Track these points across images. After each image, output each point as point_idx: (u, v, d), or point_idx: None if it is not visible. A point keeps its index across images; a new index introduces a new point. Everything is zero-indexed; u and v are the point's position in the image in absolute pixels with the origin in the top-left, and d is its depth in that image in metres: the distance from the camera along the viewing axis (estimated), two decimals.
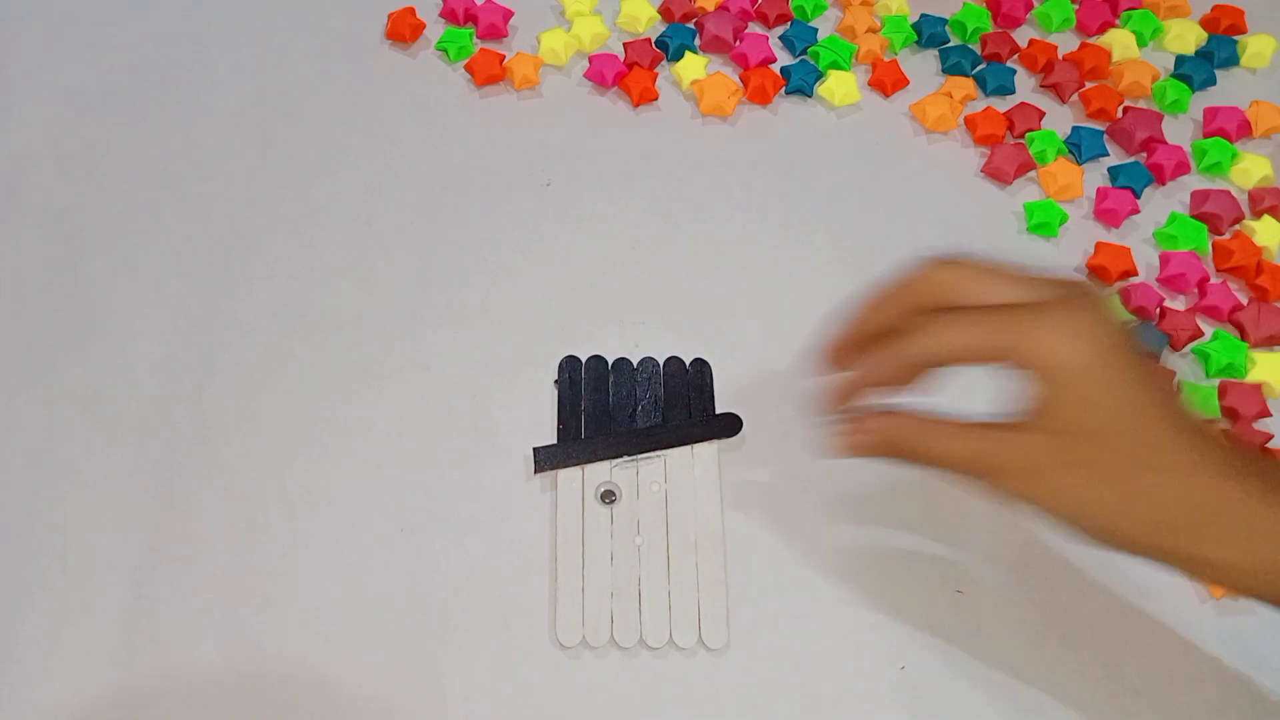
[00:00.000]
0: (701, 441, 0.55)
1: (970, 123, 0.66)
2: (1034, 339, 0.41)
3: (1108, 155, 0.65)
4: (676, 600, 0.51)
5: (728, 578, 0.52)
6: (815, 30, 0.70)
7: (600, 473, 0.54)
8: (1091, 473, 0.41)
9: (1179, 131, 0.67)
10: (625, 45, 0.68)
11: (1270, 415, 0.57)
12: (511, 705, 0.49)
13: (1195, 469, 0.41)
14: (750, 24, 0.70)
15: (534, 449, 0.54)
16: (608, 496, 0.53)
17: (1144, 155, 0.65)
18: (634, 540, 0.52)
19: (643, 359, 0.57)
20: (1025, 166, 0.64)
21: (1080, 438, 0.41)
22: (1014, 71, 0.68)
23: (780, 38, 0.70)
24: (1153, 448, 0.41)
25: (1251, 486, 0.40)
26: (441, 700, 0.49)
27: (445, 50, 0.68)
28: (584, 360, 0.57)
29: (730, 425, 0.55)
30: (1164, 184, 0.65)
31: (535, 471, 0.54)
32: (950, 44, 0.70)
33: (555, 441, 0.55)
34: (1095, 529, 0.42)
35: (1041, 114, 0.66)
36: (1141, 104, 0.68)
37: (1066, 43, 0.70)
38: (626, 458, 0.54)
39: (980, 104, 0.67)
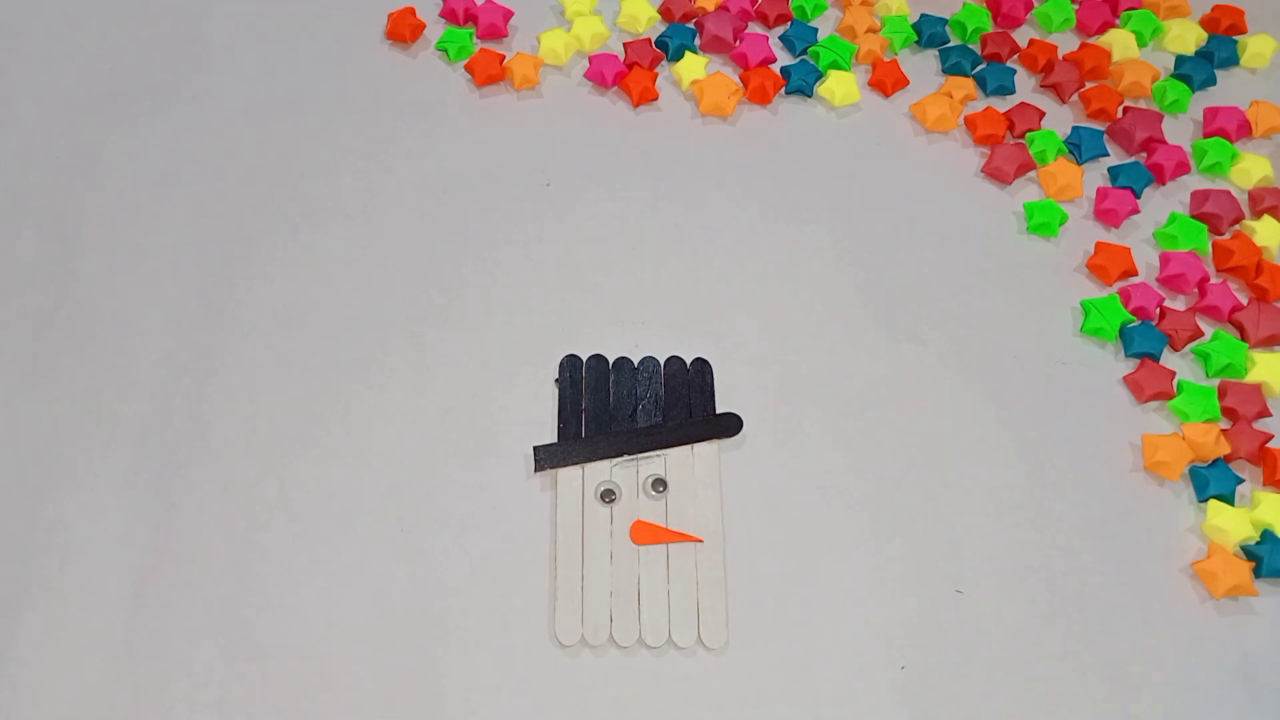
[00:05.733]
0: (701, 441, 0.55)
1: (970, 123, 0.66)
2: None
3: (1108, 155, 0.65)
4: (675, 600, 0.51)
5: (727, 577, 0.52)
6: (815, 30, 0.70)
7: (600, 471, 0.54)
8: None
9: (1179, 131, 0.67)
10: (625, 45, 0.69)
11: (1270, 415, 0.57)
12: (510, 703, 0.49)
13: None
14: (750, 24, 0.70)
15: (534, 447, 0.54)
16: (608, 496, 0.53)
17: (1144, 155, 0.65)
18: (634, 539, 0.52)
19: (643, 358, 0.57)
20: (1025, 166, 0.64)
21: None
22: (1014, 71, 0.68)
23: (780, 38, 0.70)
24: None
25: None
26: (441, 697, 0.49)
27: (445, 50, 0.68)
28: (585, 359, 0.57)
29: (730, 425, 0.55)
30: (1164, 184, 0.65)
31: (535, 470, 0.54)
32: (950, 44, 0.70)
33: (555, 440, 0.55)
34: None
35: (1041, 114, 0.66)
36: (1141, 104, 0.68)
37: (1066, 43, 0.70)
38: (626, 457, 0.54)
39: (980, 104, 0.67)
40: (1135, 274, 0.61)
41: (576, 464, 0.54)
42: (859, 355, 0.58)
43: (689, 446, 0.54)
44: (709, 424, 0.55)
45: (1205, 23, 0.70)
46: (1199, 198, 0.63)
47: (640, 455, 0.54)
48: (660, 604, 0.50)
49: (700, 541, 0.52)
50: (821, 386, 0.57)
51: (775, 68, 0.68)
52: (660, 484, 0.53)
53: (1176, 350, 0.59)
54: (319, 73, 0.68)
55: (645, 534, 0.52)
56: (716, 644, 0.50)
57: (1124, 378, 0.58)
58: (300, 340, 0.58)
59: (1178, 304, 0.61)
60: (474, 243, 0.61)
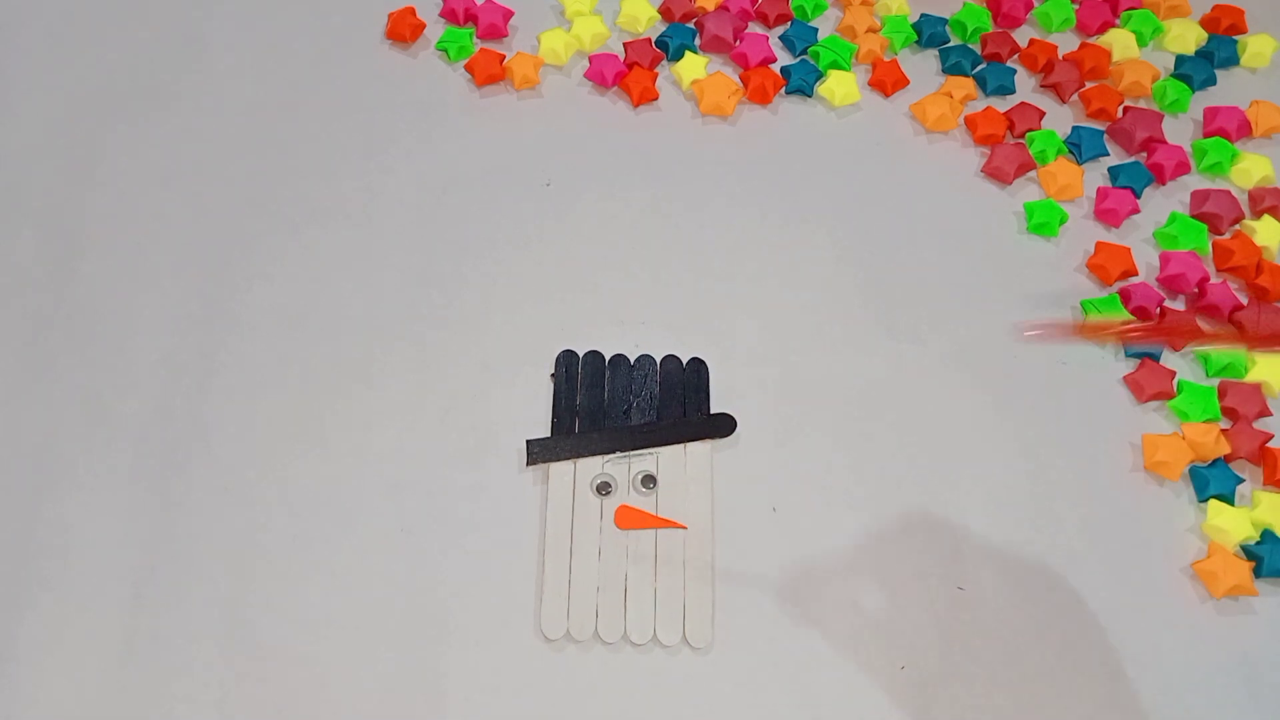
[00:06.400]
0: (694, 440, 0.55)
1: (970, 123, 0.66)
2: None
3: (1108, 155, 0.65)
4: (662, 597, 0.51)
5: (715, 577, 0.52)
6: (815, 30, 0.70)
7: (592, 467, 0.54)
8: None
9: (1179, 131, 0.67)
10: (625, 45, 0.68)
11: (1270, 415, 0.57)
12: (501, 698, 0.49)
13: None
14: (750, 24, 0.70)
15: (527, 441, 0.54)
16: (604, 488, 0.53)
17: (1144, 155, 0.65)
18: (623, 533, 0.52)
19: (639, 356, 0.57)
20: (1025, 166, 0.64)
21: None
22: (1014, 71, 0.68)
23: (780, 38, 0.70)
24: None
25: None
26: (439, 694, 0.49)
27: (445, 50, 0.68)
28: (581, 355, 0.57)
29: (724, 425, 0.55)
30: (1164, 184, 0.65)
31: (528, 464, 0.54)
32: (950, 44, 0.70)
33: (549, 435, 0.55)
34: None
35: (1041, 114, 0.66)
36: (1141, 104, 0.68)
37: (1066, 43, 0.70)
38: (619, 453, 0.54)
39: (980, 104, 0.67)
40: (1135, 274, 0.61)
41: (569, 459, 0.54)
42: (859, 355, 0.58)
43: (681, 445, 0.54)
44: (703, 424, 0.55)
45: (1205, 23, 0.70)
46: (1199, 198, 0.63)
47: (633, 453, 0.54)
48: (646, 601, 0.50)
49: (684, 528, 0.52)
50: (821, 386, 0.57)
51: (775, 68, 0.68)
52: (650, 480, 0.53)
53: (1176, 350, 0.59)
54: (319, 73, 0.68)
55: (629, 518, 0.52)
56: (701, 643, 0.50)
57: (1124, 378, 0.58)
58: (300, 340, 0.58)
59: (1178, 304, 0.60)
60: (474, 243, 0.61)
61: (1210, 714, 0.49)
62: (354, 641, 0.50)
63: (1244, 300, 0.60)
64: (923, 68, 0.69)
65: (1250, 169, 0.64)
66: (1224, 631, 0.51)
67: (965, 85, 0.67)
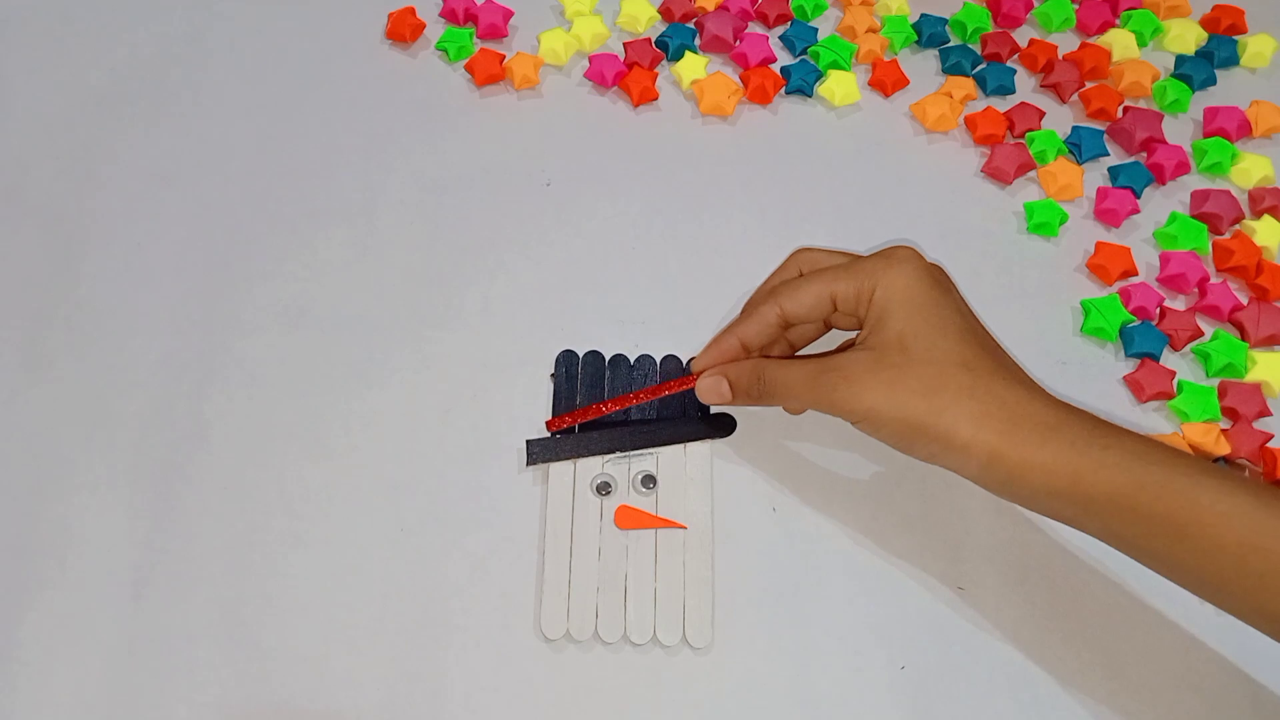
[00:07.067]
0: (694, 440, 0.55)
1: (970, 123, 0.66)
2: (876, 275, 0.49)
3: (1108, 155, 0.65)
4: (662, 597, 0.51)
5: (715, 577, 0.52)
6: (815, 30, 0.70)
7: (592, 467, 0.54)
8: (898, 372, 0.47)
9: (1179, 131, 0.67)
10: (625, 45, 0.69)
11: (1270, 415, 0.57)
12: (501, 698, 0.49)
13: (1014, 375, 0.47)
14: (750, 24, 0.70)
15: (527, 441, 0.54)
16: (603, 488, 0.53)
17: (1144, 155, 0.65)
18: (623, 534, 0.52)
19: (639, 356, 0.57)
20: (1025, 166, 0.64)
21: (893, 348, 0.47)
22: (1014, 71, 0.68)
23: (780, 38, 0.70)
24: (978, 352, 0.47)
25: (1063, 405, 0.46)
26: (441, 694, 0.49)
27: (445, 50, 0.68)
28: (581, 355, 0.57)
29: (724, 425, 0.55)
30: (1164, 184, 0.65)
31: (527, 464, 0.54)
32: (950, 44, 0.70)
33: (549, 435, 0.55)
34: (897, 420, 0.46)
35: (1041, 114, 0.66)
36: (1141, 104, 0.68)
37: (1066, 43, 0.70)
38: (619, 454, 0.54)
39: (980, 104, 0.67)
40: (1135, 274, 0.61)
41: (569, 459, 0.54)
42: None
43: (681, 445, 0.54)
44: (702, 424, 0.55)
45: (1205, 23, 0.70)
46: (1199, 198, 0.63)
47: (632, 453, 0.54)
48: (646, 601, 0.50)
49: (684, 528, 0.52)
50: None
51: (775, 68, 0.68)
52: (650, 480, 0.53)
53: (1176, 350, 0.59)
54: (319, 73, 0.68)
55: (629, 519, 0.52)
56: (702, 643, 0.50)
57: (1124, 378, 0.58)
58: (300, 340, 0.58)
59: (1178, 304, 0.61)
60: (474, 243, 0.61)
61: (1210, 714, 0.49)
62: (354, 641, 0.50)
63: (1244, 300, 0.60)
64: (923, 68, 0.69)
65: (1250, 169, 0.64)
66: (1224, 631, 0.51)
67: (965, 85, 0.67)
